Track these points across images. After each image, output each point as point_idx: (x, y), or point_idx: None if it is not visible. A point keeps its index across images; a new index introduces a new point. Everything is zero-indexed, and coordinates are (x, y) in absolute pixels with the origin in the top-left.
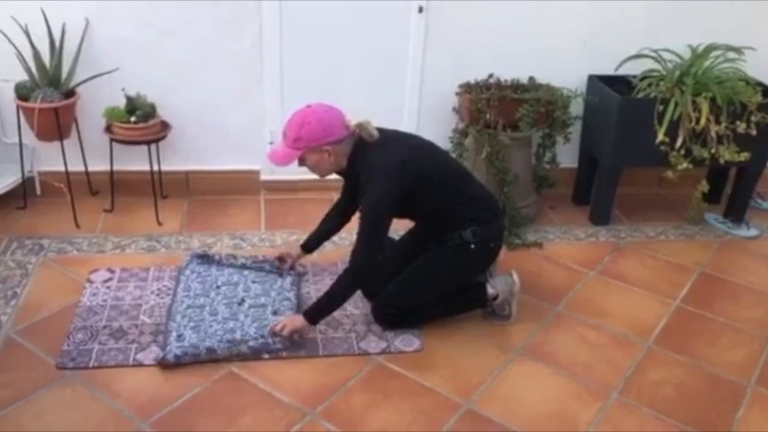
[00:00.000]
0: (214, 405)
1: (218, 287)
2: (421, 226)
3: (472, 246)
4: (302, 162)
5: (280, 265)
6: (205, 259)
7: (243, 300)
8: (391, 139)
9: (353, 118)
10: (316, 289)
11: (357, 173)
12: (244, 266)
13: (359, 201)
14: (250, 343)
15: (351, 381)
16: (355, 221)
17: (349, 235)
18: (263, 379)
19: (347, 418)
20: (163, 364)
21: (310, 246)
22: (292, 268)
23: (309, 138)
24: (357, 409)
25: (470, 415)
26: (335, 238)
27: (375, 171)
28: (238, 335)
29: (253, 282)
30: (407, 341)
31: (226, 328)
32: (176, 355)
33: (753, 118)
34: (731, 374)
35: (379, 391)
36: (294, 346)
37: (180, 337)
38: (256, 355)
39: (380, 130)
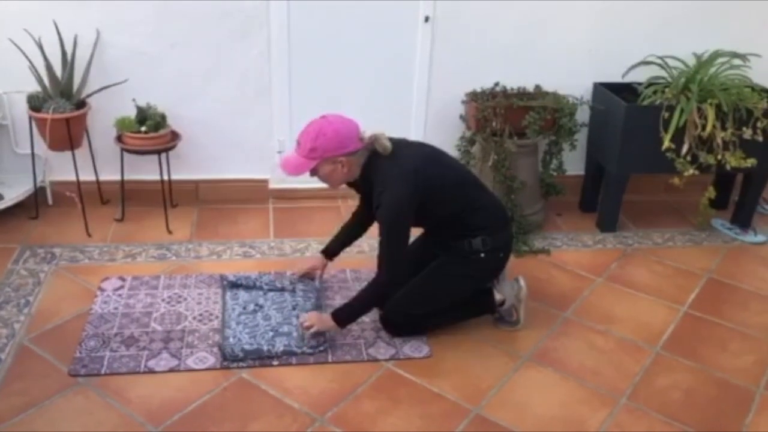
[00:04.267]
0: (224, 411)
1: (265, 294)
2: (430, 233)
3: (482, 255)
4: (314, 172)
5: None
6: (233, 285)
7: (295, 306)
8: (402, 148)
9: (368, 130)
10: (324, 295)
11: (370, 184)
12: (265, 291)
13: (374, 211)
14: (304, 349)
15: (360, 387)
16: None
17: (356, 241)
18: (273, 386)
19: (357, 424)
20: (230, 358)
21: (332, 251)
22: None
23: (324, 149)
24: (366, 415)
25: (479, 421)
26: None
27: (389, 181)
28: (295, 335)
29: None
30: (416, 347)
31: (281, 332)
32: (243, 349)
33: (759, 125)
34: (740, 379)
35: (388, 397)
36: (328, 344)
37: (239, 341)
38: (304, 356)
39: (392, 141)
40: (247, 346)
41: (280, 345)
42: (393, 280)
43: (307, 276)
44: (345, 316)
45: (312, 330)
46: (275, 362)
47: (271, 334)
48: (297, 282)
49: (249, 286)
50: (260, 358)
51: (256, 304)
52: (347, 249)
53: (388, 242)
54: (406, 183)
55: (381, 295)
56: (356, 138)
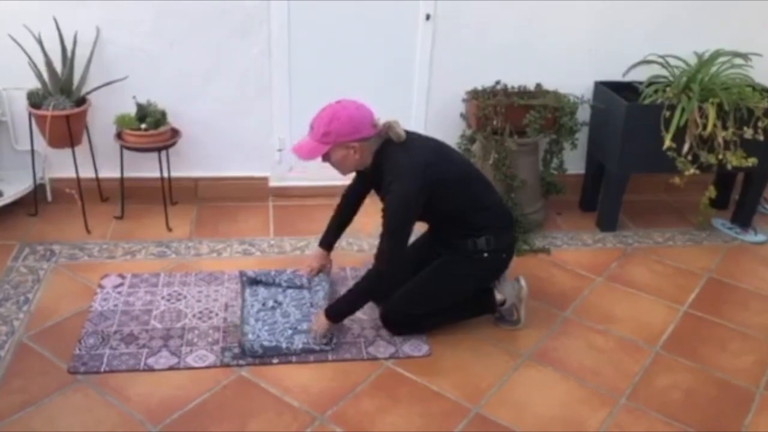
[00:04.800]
0: (224, 409)
1: (284, 291)
2: (434, 230)
3: (485, 254)
4: (326, 158)
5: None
6: (252, 281)
7: (312, 303)
8: (415, 140)
9: (381, 117)
10: (334, 290)
11: (381, 172)
12: (284, 288)
13: (381, 199)
14: (322, 346)
15: (360, 385)
16: (369, 215)
17: (357, 240)
18: (273, 384)
19: (356, 422)
20: (250, 354)
21: (329, 242)
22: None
23: (338, 133)
24: (366, 413)
25: (479, 420)
26: (343, 243)
27: (399, 171)
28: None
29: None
30: (416, 346)
31: (300, 329)
32: (263, 345)
33: (760, 124)
34: (740, 380)
35: (387, 395)
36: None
37: (258, 338)
38: (323, 353)
39: (406, 132)
40: (266, 343)
41: (299, 342)
42: (390, 272)
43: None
44: (336, 311)
45: (312, 333)
46: (293, 359)
47: (290, 331)
48: (313, 280)
49: (268, 282)
50: (279, 355)
51: (275, 301)
52: (344, 246)
53: (391, 233)
54: (416, 176)
55: (376, 288)
56: (370, 124)
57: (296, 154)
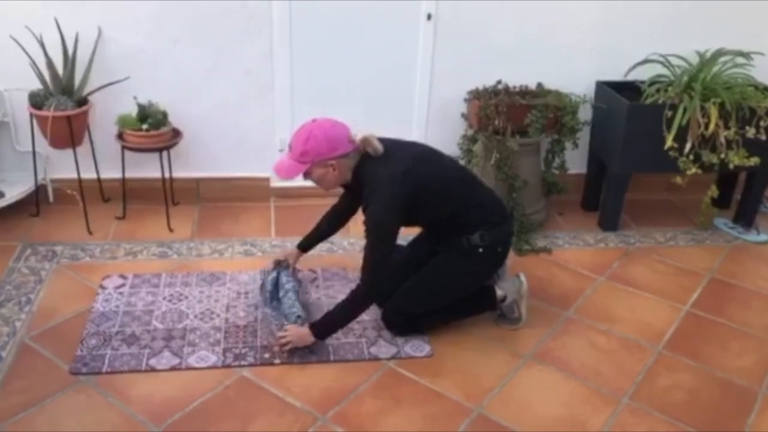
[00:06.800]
0: (226, 410)
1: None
2: (429, 231)
3: (480, 250)
4: (307, 175)
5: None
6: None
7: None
8: (394, 150)
9: (358, 133)
10: (326, 294)
11: (361, 185)
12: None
13: (363, 212)
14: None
15: (362, 386)
16: (352, 226)
17: (359, 239)
18: (275, 384)
19: (358, 423)
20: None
21: (305, 246)
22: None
23: (315, 152)
24: (368, 414)
25: (481, 420)
26: (345, 243)
27: (378, 183)
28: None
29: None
30: (417, 346)
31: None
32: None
33: (762, 123)
34: (742, 379)
35: (389, 396)
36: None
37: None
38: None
39: (384, 142)
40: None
41: None
42: (373, 293)
43: (281, 265)
44: (324, 328)
45: (289, 347)
46: (296, 359)
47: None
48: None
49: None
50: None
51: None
52: (346, 247)
53: (372, 246)
54: (394, 186)
55: (363, 302)
56: (346, 140)
57: (277, 173)
